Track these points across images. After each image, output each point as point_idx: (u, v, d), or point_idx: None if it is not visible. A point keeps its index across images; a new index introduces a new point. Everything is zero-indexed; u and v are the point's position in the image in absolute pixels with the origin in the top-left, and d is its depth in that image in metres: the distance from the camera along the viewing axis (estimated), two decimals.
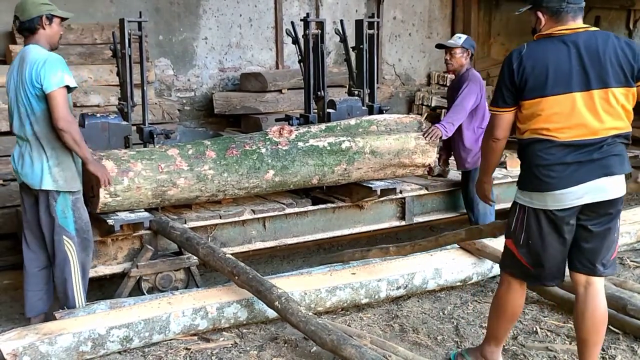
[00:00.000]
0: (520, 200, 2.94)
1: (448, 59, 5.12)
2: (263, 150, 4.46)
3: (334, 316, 3.94)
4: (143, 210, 4.21)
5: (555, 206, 2.81)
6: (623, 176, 2.86)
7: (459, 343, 3.62)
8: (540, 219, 2.86)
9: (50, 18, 3.60)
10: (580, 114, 2.76)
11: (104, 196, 3.93)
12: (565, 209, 2.80)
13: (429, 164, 5.06)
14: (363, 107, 5.31)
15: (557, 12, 2.82)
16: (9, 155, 5.44)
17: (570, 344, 3.51)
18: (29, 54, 3.55)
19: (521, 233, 2.92)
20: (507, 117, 2.91)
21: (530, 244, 2.90)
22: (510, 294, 3.07)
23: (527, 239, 2.90)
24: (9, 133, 5.47)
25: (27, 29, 3.60)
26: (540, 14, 2.86)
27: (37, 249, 3.80)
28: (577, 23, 2.84)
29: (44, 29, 3.59)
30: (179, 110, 6.85)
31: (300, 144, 4.59)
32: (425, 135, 4.93)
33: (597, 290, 2.91)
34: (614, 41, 2.80)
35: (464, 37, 5.14)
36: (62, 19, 3.68)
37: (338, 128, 4.78)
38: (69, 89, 3.53)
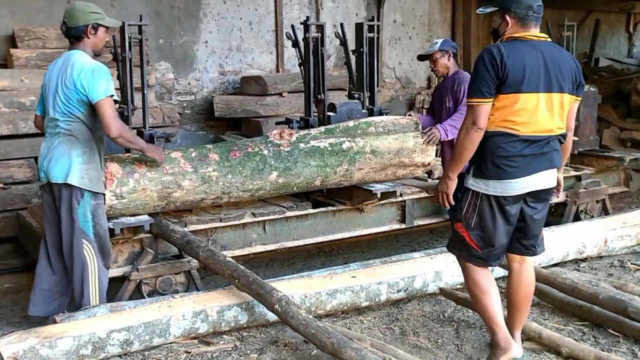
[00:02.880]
0: (474, 187, 3.18)
1: (432, 66, 5.23)
2: (265, 152, 4.47)
3: (334, 319, 3.94)
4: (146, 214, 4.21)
5: (509, 193, 3.12)
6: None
7: (459, 346, 3.62)
8: (492, 204, 3.14)
9: (96, 27, 3.74)
10: (540, 113, 3.10)
11: (109, 198, 3.94)
12: (515, 195, 3.13)
13: (429, 163, 5.06)
14: (363, 110, 5.31)
15: (524, 18, 3.15)
16: (10, 159, 5.52)
17: None
18: (76, 59, 3.66)
19: (473, 217, 3.19)
20: (488, 107, 3.09)
21: (482, 226, 3.18)
22: (477, 273, 3.28)
23: (480, 222, 3.18)
24: (9, 137, 5.53)
25: (72, 35, 3.73)
26: (508, 17, 3.17)
27: (55, 252, 3.84)
28: (537, 31, 3.19)
29: (88, 37, 3.73)
30: (179, 113, 6.86)
31: (302, 145, 4.60)
32: (423, 137, 4.93)
33: (530, 265, 3.38)
34: (566, 54, 3.24)
35: (439, 40, 5.23)
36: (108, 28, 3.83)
37: (337, 130, 4.80)
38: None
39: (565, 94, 3.15)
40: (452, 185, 3.27)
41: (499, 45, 3.09)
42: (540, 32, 3.22)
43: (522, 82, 3.04)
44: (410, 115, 5.34)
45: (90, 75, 3.58)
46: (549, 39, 3.21)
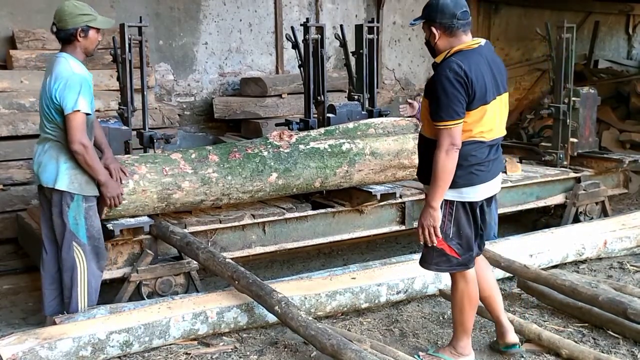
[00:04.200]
0: (448, 197, 3.16)
1: None
2: (265, 153, 4.47)
3: (334, 321, 3.94)
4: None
5: (479, 197, 3.21)
6: None
7: None
8: (467, 210, 3.22)
9: (86, 30, 3.64)
10: (496, 116, 3.19)
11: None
12: (483, 199, 3.24)
13: None
14: (363, 112, 5.32)
15: (449, 27, 3.11)
16: (9, 160, 5.52)
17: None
18: (57, 67, 3.61)
19: (450, 227, 3.21)
20: (462, 125, 3.08)
21: (461, 233, 3.22)
22: (470, 284, 3.31)
23: (458, 230, 3.21)
24: (9, 138, 5.53)
25: (62, 38, 3.66)
26: (434, 29, 3.14)
27: (54, 250, 3.82)
28: (469, 37, 3.17)
29: (78, 40, 3.64)
30: (179, 115, 6.86)
31: (302, 146, 4.60)
32: None
33: (483, 258, 3.53)
34: (495, 54, 3.29)
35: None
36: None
37: (337, 132, 4.80)
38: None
39: (506, 92, 3.26)
40: (438, 216, 3.12)
41: (457, 61, 3.03)
42: (473, 36, 3.19)
43: (485, 93, 3.08)
44: (409, 102, 5.33)
45: (63, 87, 3.52)
46: (484, 40, 3.20)
